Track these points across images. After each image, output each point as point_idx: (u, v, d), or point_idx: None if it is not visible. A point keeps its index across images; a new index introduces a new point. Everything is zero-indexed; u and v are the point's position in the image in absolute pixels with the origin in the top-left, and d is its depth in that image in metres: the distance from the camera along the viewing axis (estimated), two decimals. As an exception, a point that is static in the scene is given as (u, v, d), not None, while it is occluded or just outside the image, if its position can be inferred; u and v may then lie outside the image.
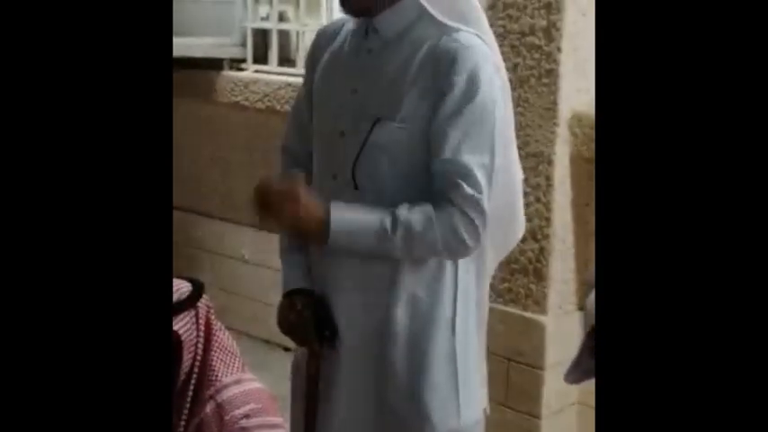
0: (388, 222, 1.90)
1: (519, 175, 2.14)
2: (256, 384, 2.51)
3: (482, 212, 1.92)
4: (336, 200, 1.97)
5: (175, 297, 2.40)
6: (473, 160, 1.90)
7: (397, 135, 1.93)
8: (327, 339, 2.05)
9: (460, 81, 1.90)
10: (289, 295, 2.10)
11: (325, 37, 2.15)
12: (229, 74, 4.61)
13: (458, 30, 1.95)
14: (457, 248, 1.96)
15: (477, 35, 1.97)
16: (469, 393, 2.07)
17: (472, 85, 1.90)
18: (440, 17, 1.96)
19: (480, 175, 1.91)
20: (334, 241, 1.93)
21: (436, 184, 1.93)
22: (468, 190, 1.90)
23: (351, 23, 2.09)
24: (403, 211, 1.91)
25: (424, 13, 1.98)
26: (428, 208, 1.91)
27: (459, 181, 1.90)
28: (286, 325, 2.09)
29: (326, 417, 2.09)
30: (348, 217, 1.92)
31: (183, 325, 2.38)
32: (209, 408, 2.45)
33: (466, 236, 1.93)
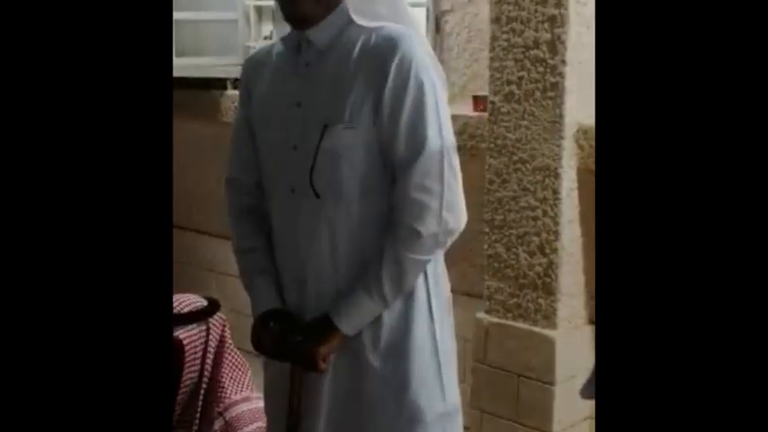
0: (375, 291, 1.98)
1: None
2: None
3: (439, 221, 1.97)
4: (297, 212, 2.03)
5: (188, 309, 2.41)
6: (427, 146, 1.94)
7: (345, 136, 1.96)
8: None
9: (394, 73, 1.93)
10: (266, 317, 2.12)
11: (253, 66, 2.19)
12: (233, 93, 4.61)
13: (386, 26, 2.00)
14: (432, 254, 2.03)
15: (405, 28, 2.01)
16: (450, 376, 2.12)
17: (405, 74, 1.93)
18: (365, 24, 2.01)
19: (435, 169, 1.95)
20: (353, 330, 2.02)
21: (396, 194, 1.97)
22: (427, 216, 1.95)
23: (278, 46, 2.14)
24: (376, 276, 1.98)
25: (351, 20, 2.03)
26: (391, 252, 1.97)
27: (417, 206, 1.95)
28: (259, 343, 2.13)
29: (311, 425, 2.09)
30: (349, 311, 2.01)
31: (190, 335, 2.39)
32: (217, 425, 2.45)
33: (435, 249, 2.02)
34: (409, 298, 2.05)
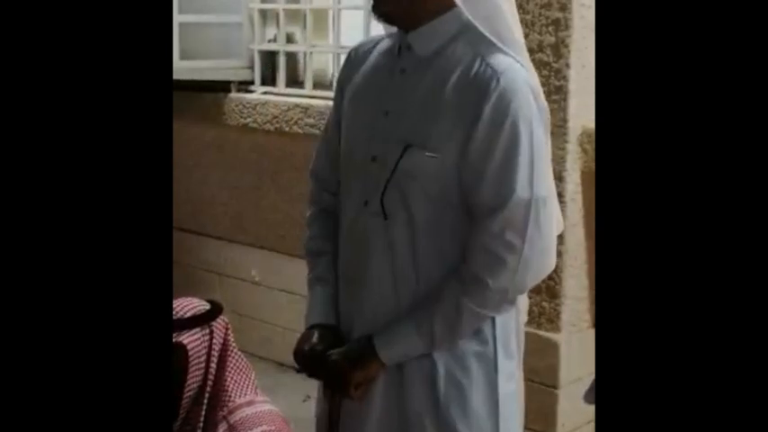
0: (424, 330, 1.89)
1: (555, 208, 2.02)
2: (269, 406, 2.50)
3: (513, 278, 1.86)
4: (366, 227, 1.94)
5: (191, 313, 2.41)
6: (514, 197, 1.82)
7: (427, 164, 1.85)
8: None
9: (490, 109, 1.81)
10: (311, 329, 2.04)
11: (356, 57, 2.08)
12: (237, 96, 4.61)
13: (493, 52, 1.86)
14: (497, 310, 1.93)
15: (513, 57, 1.88)
16: (509, 429, 2.00)
17: (503, 113, 1.81)
18: (484, 32, 1.87)
19: (519, 223, 1.83)
20: (391, 361, 1.93)
21: (475, 239, 1.86)
22: (500, 274, 1.84)
23: (384, 42, 2.03)
24: (430, 316, 1.89)
25: (463, 30, 1.90)
26: (452, 297, 1.87)
27: (493, 258, 1.84)
28: (301, 358, 2.04)
29: None
30: (394, 340, 1.92)
31: (193, 340, 2.39)
32: (221, 429, 2.44)
33: (502, 306, 1.92)
34: (471, 342, 1.93)
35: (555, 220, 2.01)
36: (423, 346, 1.90)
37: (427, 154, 1.85)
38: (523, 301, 2.07)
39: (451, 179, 1.86)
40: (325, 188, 2.13)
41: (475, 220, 1.86)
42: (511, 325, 2.00)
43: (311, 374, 2.07)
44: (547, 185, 1.90)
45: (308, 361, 2.02)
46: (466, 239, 1.88)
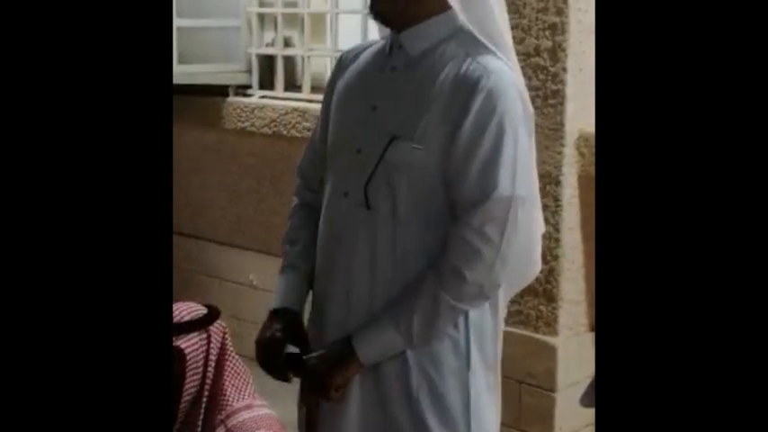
0: (402, 325, 1.89)
1: (538, 213, 2.06)
2: (267, 410, 2.50)
3: (490, 273, 1.88)
4: (345, 218, 1.95)
5: (188, 318, 2.41)
6: (497, 192, 1.84)
7: (412, 155, 1.88)
8: (292, 366, 2.03)
9: (478, 106, 1.84)
10: (273, 314, 2.08)
11: (346, 60, 2.11)
12: (235, 100, 4.61)
13: (484, 53, 1.90)
14: (473, 305, 1.94)
15: (503, 61, 1.91)
16: (481, 426, 2.00)
17: (490, 111, 1.84)
18: (477, 34, 1.91)
19: (499, 218, 1.85)
20: (370, 360, 1.94)
21: (453, 232, 1.88)
22: (477, 268, 1.86)
23: (376, 45, 2.06)
24: (408, 308, 1.89)
25: (455, 32, 1.93)
26: (430, 289, 1.88)
27: (470, 250, 1.86)
28: (260, 349, 2.08)
29: None
30: (372, 338, 1.93)
31: (191, 344, 2.39)
32: (219, 432, 2.44)
33: (477, 300, 1.93)
34: (445, 342, 1.94)
35: (537, 223, 2.05)
36: (401, 342, 1.91)
37: (413, 145, 1.88)
38: (502, 305, 2.08)
39: (436, 176, 1.89)
40: (307, 186, 2.17)
41: (456, 216, 1.89)
42: (486, 324, 2.00)
43: (263, 364, 2.07)
44: (527, 187, 1.93)
45: (266, 351, 2.05)
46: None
